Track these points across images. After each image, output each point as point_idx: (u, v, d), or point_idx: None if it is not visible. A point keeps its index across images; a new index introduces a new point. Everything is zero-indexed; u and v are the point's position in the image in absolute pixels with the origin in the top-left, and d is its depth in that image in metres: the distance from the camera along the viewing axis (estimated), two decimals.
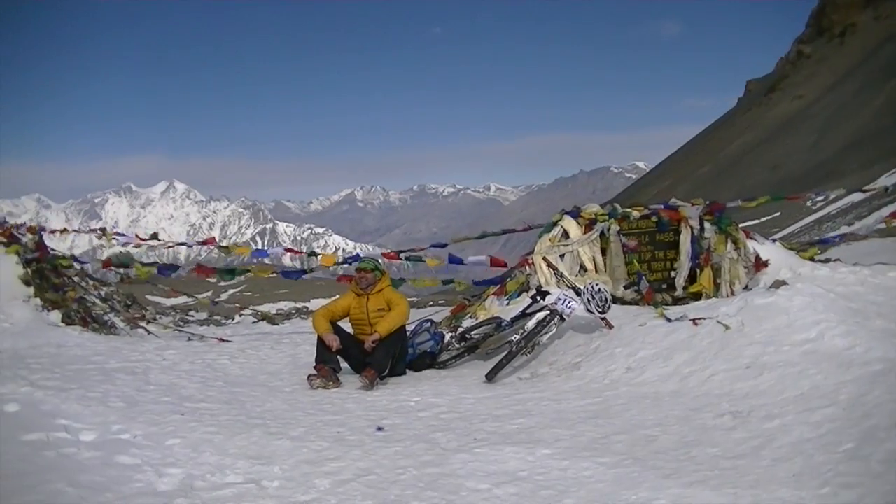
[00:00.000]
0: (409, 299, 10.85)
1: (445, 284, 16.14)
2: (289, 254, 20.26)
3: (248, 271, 17.71)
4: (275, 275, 18.01)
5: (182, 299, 33.83)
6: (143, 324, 17.82)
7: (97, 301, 17.96)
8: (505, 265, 14.35)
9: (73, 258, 17.53)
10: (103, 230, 18.41)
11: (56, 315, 14.50)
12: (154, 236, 17.68)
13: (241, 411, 7.67)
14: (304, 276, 17.41)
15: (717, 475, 5.17)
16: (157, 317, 21.12)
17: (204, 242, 17.90)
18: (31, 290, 14.98)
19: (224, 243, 18.40)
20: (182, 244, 18.88)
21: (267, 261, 17.29)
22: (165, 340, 14.43)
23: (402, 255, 16.11)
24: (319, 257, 17.03)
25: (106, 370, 9.86)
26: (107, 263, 18.23)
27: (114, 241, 19.02)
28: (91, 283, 19.10)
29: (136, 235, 17.70)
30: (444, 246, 16.77)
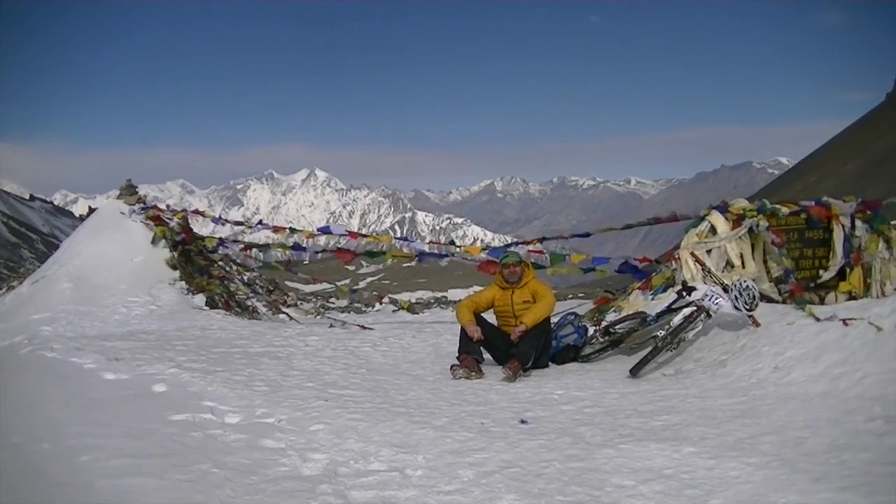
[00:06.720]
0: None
1: (586, 272, 16.03)
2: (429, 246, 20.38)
3: (385, 253, 17.82)
4: (414, 262, 18.12)
5: (321, 286, 34.44)
6: (284, 309, 18.18)
7: (240, 286, 18.42)
8: (649, 262, 14.20)
9: (220, 241, 18.00)
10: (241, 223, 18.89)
11: (201, 298, 14.96)
12: (293, 230, 18.04)
13: (384, 399, 7.78)
14: (443, 259, 17.49)
15: (869, 481, 5.00)
16: (299, 303, 21.55)
17: (348, 234, 18.16)
18: (177, 273, 15.46)
19: (364, 232, 18.66)
20: (323, 231, 19.11)
21: (406, 250, 17.38)
22: (307, 326, 14.72)
23: (544, 249, 16.05)
24: (461, 248, 17.10)
25: (250, 354, 10.16)
26: (245, 248, 18.68)
27: (254, 228, 19.51)
28: (235, 268, 19.59)
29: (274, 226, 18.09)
30: (587, 235, 16.70)
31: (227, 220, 19.84)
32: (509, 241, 16.66)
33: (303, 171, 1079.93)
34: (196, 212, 18.47)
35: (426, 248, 17.36)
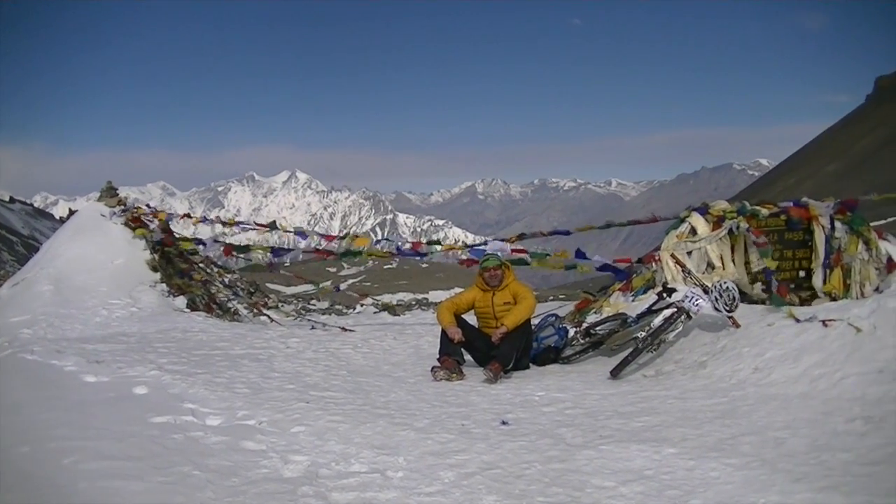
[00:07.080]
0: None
1: (568, 269, 16.03)
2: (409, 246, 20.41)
3: (363, 252, 17.82)
4: (395, 264, 18.18)
5: (302, 288, 34.32)
6: (265, 311, 18.16)
7: (221, 287, 18.39)
8: (629, 262, 14.20)
9: (198, 241, 17.95)
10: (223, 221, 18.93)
11: (182, 300, 14.92)
12: (273, 225, 18.03)
13: (365, 401, 7.77)
14: (422, 258, 17.45)
15: (849, 481, 5.01)
16: (280, 305, 21.53)
17: (325, 237, 18.16)
18: (158, 275, 15.43)
19: (344, 233, 18.65)
20: (301, 231, 19.10)
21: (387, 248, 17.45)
22: (288, 328, 14.70)
23: (526, 249, 16.06)
24: (441, 246, 17.11)
25: (231, 356, 10.14)
26: (227, 250, 18.65)
27: (235, 230, 19.48)
28: (216, 269, 19.55)
29: (255, 222, 18.12)
30: (567, 233, 16.74)
31: (223, 221, 19.83)
32: (488, 239, 16.62)
33: (284, 172, 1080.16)
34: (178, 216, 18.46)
35: (407, 246, 17.31)
